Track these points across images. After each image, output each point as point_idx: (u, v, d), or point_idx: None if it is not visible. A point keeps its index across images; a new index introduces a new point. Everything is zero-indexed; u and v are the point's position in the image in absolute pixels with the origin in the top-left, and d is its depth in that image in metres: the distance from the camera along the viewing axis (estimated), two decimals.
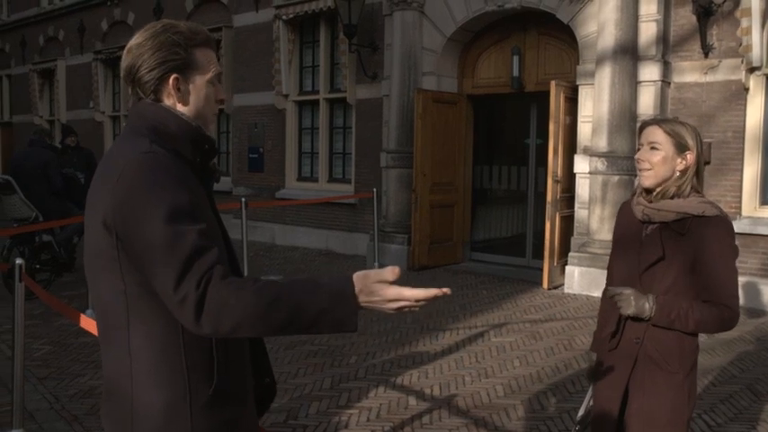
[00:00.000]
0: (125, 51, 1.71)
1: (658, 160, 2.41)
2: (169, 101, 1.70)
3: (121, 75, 1.73)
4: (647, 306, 2.33)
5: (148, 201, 1.52)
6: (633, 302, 2.33)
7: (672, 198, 2.40)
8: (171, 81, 1.68)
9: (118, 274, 1.59)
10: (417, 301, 1.47)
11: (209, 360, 1.64)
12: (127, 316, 1.61)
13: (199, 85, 1.72)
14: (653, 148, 2.42)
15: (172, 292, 1.48)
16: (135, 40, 1.70)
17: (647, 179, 2.44)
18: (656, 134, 2.42)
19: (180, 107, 1.71)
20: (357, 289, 1.47)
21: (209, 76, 1.74)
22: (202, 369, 1.63)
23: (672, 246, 2.38)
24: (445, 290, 1.47)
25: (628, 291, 2.35)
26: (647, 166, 2.43)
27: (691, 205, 2.37)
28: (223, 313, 1.46)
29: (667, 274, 2.38)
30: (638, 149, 2.49)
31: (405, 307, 1.48)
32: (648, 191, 2.46)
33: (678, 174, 2.41)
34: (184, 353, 1.61)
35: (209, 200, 1.76)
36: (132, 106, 1.74)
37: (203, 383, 1.63)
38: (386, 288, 1.47)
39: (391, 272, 1.47)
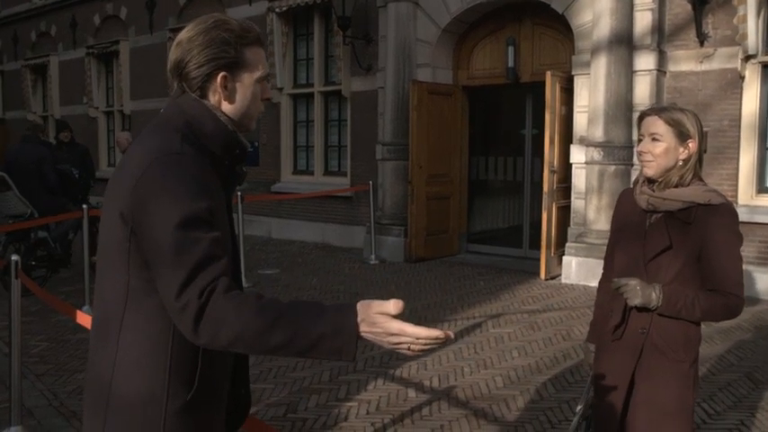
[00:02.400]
0: (174, 44, 1.70)
1: (660, 152, 2.38)
2: (215, 98, 1.69)
3: (168, 67, 1.72)
4: (654, 296, 2.32)
5: (167, 204, 1.52)
6: (640, 293, 2.32)
7: (675, 186, 2.39)
8: (219, 79, 1.67)
9: (125, 265, 1.59)
10: (418, 339, 1.42)
11: (192, 366, 1.63)
12: (124, 308, 1.60)
13: (247, 83, 1.71)
14: (654, 139, 2.39)
15: (174, 298, 1.48)
16: (185, 33, 1.69)
17: (650, 169, 2.41)
18: (657, 125, 2.39)
19: (225, 105, 1.70)
20: (359, 318, 1.44)
21: (257, 75, 1.73)
22: (185, 373, 1.62)
23: (678, 235, 2.36)
24: (448, 332, 1.44)
25: (633, 281, 2.34)
26: (649, 157, 2.40)
27: (696, 194, 2.36)
28: (222, 327, 1.45)
29: (673, 264, 2.37)
30: (640, 140, 2.45)
31: (404, 344, 1.43)
32: (651, 180, 2.44)
33: (681, 162, 2.39)
34: (171, 354, 1.60)
35: (228, 202, 1.76)
36: (173, 98, 1.72)
37: (182, 387, 1.62)
38: (389, 321, 1.43)
39: (394, 305, 1.43)
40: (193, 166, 1.58)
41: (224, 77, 1.68)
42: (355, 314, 1.45)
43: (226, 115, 1.70)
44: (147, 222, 1.53)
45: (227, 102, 1.70)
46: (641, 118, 2.47)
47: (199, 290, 1.47)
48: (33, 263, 7.92)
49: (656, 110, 2.43)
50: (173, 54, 1.69)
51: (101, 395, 1.63)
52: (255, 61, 1.72)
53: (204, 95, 1.69)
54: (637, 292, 2.32)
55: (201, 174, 1.59)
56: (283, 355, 1.48)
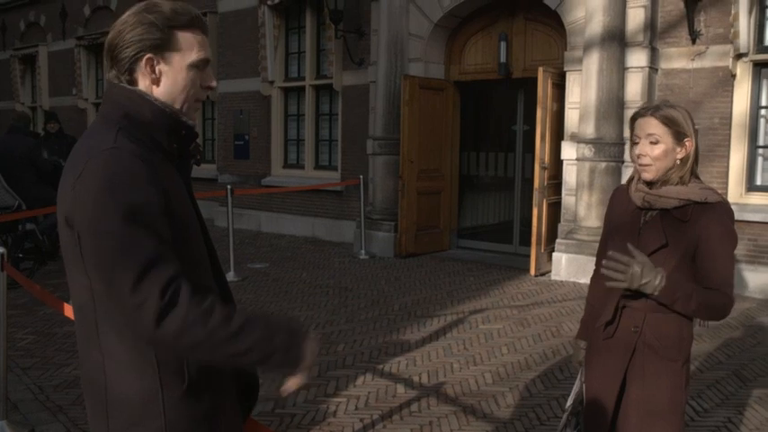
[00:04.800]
0: (111, 28, 1.68)
1: (659, 154, 2.33)
2: (144, 81, 1.64)
3: (104, 51, 1.69)
4: (657, 282, 2.23)
5: (106, 204, 1.48)
6: (641, 277, 2.21)
7: (674, 186, 2.36)
8: (144, 60, 1.62)
9: (83, 270, 1.56)
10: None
11: (180, 356, 1.61)
12: (95, 310, 1.58)
13: (177, 67, 1.65)
14: (652, 141, 2.33)
15: (128, 294, 1.45)
16: (121, 17, 1.67)
17: (649, 173, 2.35)
18: (653, 125, 2.33)
19: (154, 89, 1.65)
20: (307, 337, 1.60)
21: (190, 59, 1.67)
22: (174, 365, 1.60)
23: (673, 233, 2.34)
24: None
25: (637, 267, 2.22)
26: (648, 161, 2.34)
27: (693, 192, 2.33)
28: (187, 331, 1.46)
29: (669, 262, 2.34)
30: (635, 142, 2.38)
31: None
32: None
33: (679, 162, 2.36)
34: (155, 350, 1.58)
35: (187, 186, 1.72)
36: (107, 90, 1.68)
37: (176, 377, 1.60)
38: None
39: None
40: (131, 159, 1.53)
41: (149, 59, 1.63)
42: (306, 335, 1.60)
43: (161, 101, 1.65)
44: (89, 224, 1.50)
45: (155, 85, 1.65)
46: (634, 119, 2.40)
47: (159, 288, 1.45)
48: (20, 255, 7.86)
49: (651, 109, 2.36)
50: (108, 37, 1.68)
51: (99, 397, 1.62)
52: (188, 45, 1.66)
53: (134, 80, 1.64)
54: (637, 276, 2.21)
55: (142, 165, 1.54)
56: (236, 364, 1.57)
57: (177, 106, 1.68)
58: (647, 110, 2.37)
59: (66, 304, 3.82)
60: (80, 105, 16.34)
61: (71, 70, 16.38)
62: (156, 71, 1.64)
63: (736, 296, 7.19)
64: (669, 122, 2.33)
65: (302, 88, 11.81)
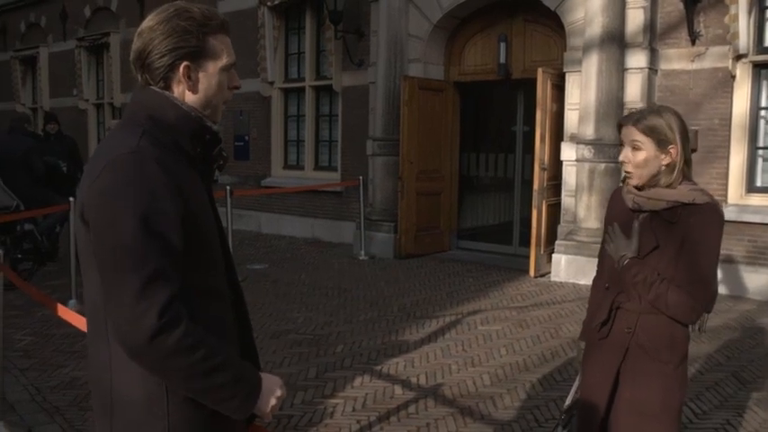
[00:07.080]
0: (136, 34, 1.66)
1: (640, 161, 2.35)
2: (178, 88, 1.65)
3: (131, 58, 1.68)
4: (627, 253, 2.36)
5: (119, 209, 1.48)
6: (613, 248, 2.40)
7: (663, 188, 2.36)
8: (182, 69, 1.63)
9: (95, 267, 1.56)
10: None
11: None
12: (105, 310, 1.57)
13: (211, 72, 1.67)
14: (635, 147, 2.36)
15: (131, 303, 1.45)
16: (147, 23, 1.65)
17: (633, 179, 2.40)
18: (635, 134, 2.35)
19: (189, 95, 1.66)
20: (263, 386, 1.67)
21: (222, 63, 1.69)
22: None
23: (664, 235, 2.34)
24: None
25: (619, 237, 2.39)
26: (630, 168, 2.38)
27: (681, 193, 2.33)
28: (175, 356, 1.48)
29: (660, 264, 2.34)
30: (622, 146, 2.42)
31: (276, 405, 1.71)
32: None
33: (665, 168, 2.36)
34: None
35: (208, 190, 1.73)
36: (135, 92, 1.69)
37: None
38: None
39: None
40: (150, 164, 1.53)
41: (186, 67, 1.64)
42: (261, 385, 1.67)
43: (189, 105, 1.66)
44: (101, 227, 1.50)
45: (191, 92, 1.66)
46: (619, 126, 2.43)
47: (160, 305, 1.45)
48: (19, 256, 7.85)
49: (632, 119, 2.37)
50: (134, 44, 1.66)
51: (104, 397, 1.63)
52: (220, 50, 1.68)
53: (168, 86, 1.65)
54: (610, 246, 2.40)
55: (160, 171, 1.54)
56: (194, 395, 1.56)
57: (209, 110, 1.70)
58: (629, 119, 2.40)
59: (60, 306, 3.82)
60: (81, 106, 16.33)
61: (72, 71, 16.37)
62: (192, 78, 1.65)
63: (736, 298, 7.23)
64: (649, 132, 2.33)
65: (302, 89, 11.80)
